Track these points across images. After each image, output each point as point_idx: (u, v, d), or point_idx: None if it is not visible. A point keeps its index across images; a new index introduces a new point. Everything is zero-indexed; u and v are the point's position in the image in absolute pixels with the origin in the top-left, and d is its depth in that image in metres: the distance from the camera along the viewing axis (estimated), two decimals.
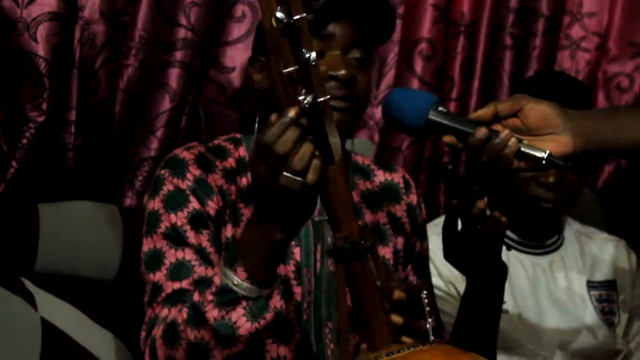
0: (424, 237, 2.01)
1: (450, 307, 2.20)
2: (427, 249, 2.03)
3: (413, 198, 1.99)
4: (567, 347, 2.34)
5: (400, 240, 1.93)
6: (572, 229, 2.53)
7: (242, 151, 1.86)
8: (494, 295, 1.93)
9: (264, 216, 1.49)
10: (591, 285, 2.44)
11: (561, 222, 2.51)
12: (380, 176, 1.97)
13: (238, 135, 1.90)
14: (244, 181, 1.81)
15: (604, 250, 2.51)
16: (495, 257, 1.87)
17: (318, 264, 1.80)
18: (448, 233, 1.85)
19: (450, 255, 1.88)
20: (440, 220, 2.44)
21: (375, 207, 1.92)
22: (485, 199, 1.80)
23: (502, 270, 1.91)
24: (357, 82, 1.75)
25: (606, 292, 2.45)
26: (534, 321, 2.35)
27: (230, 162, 1.82)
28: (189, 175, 1.75)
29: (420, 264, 2.00)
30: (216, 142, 1.87)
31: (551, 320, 2.36)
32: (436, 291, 2.26)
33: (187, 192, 1.74)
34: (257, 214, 1.51)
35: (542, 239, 2.45)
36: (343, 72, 1.71)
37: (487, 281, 1.91)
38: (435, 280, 2.26)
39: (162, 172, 1.78)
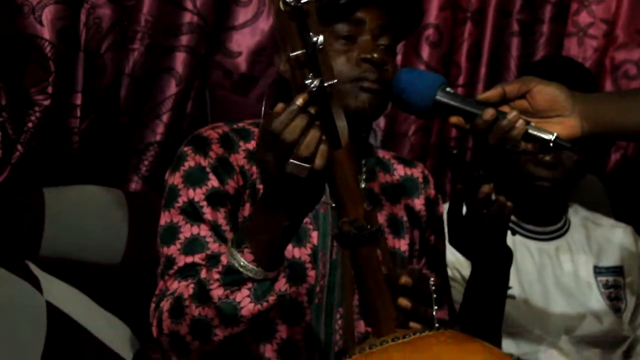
0: (439, 232, 2.00)
1: (455, 292, 2.20)
2: (443, 244, 2.02)
3: (431, 192, 1.99)
4: (573, 332, 2.34)
5: (416, 234, 1.93)
6: (578, 215, 2.52)
7: None
8: (500, 280, 1.93)
9: (272, 202, 1.49)
10: (598, 270, 2.44)
11: (566, 207, 2.51)
12: (400, 170, 1.97)
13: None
14: None
15: (611, 236, 2.50)
16: (500, 242, 1.87)
17: (334, 249, 1.80)
18: (453, 218, 1.85)
19: (455, 240, 1.88)
20: (444, 207, 2.44)
21: (394, 200, 1.92)
22: (492, 184, 1.79)
23: (507, 255, 1.91)
24: (387, 67, 1.76)
25: (613, 278, 2.44)
26: (540, 307, 2.35)
27: (254, 144, 1.83)
28: (211, 153, 1.76)
29: (435, 257, 1.99)
30: (241, 124, 1.87)
31: (557, 306, 2.36)
32: None
33: (208, 169, 1.75)
34: (265, 199, 1.51)
35: (547, 223, 2.44)
36: (376, 55, 1.72)
37: (493, 266, 1.90)
38: None
39: (186, 148, 1.79)
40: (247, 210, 1.78)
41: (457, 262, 2.28)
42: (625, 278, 2.46)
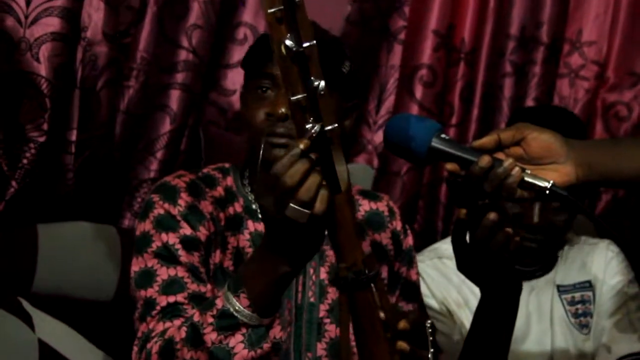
0: (410, 264, 2.00)
1: (444, 326, 2.18)
2: (416, 275, 2.03)
3: (397, 224, 1.99)
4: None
5: (384, 268, 1.93)
6: (568, 245, 2.50)
7: (230, 180, 1.88)
8: (508, 309, 1.88)
9: (272, 246, 1.48)
10: (562, 289, 2.42)
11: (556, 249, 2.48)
12: (365, 205, 1.97)
13: (227, 165, 1.92)
14: (231, 210, 1.83)
15: (582, 253, 2.48)
16: (508, 271, 1.82)
17: (299, 295, 1.81)
18: (458, 245, 1.80)
19: (462, 266, 1.82)
20: (436, 246, 2.44)
21: (360, 239, 1.90)
22: (496, 213, 1.75)
23: (516, 284, 1.86)
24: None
25: (580, 294, 2.41)
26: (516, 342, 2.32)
27: (220, 190, 1.84)
28: (180, 201, 1.77)
29: (409, 289, 1.99)
30: (205, 170, 1.88)
31: (533, 344, 2.34)
32: (429, 312, 2.25)
33: (178, 217, 1.75)
34: (266, 243, 1.50)
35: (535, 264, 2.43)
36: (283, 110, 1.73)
37: (501, 294, 1.86)
38: (429, 300, 2.25)
39: (153, 196, 1.79)
40: (217, 256, 1.78)
41: (444, 298, 2.27)
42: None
